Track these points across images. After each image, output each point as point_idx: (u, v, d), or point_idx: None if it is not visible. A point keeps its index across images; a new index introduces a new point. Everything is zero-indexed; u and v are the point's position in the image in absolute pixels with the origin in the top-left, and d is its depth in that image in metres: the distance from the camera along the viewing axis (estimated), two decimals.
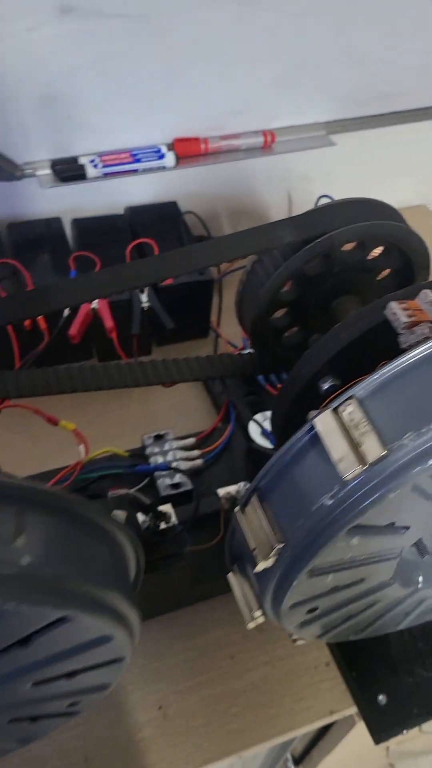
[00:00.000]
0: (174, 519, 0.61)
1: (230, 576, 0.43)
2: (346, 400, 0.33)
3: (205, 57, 0.82)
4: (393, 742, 0.65)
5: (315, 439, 0.34)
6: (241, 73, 0.86)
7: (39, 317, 0.75)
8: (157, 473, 0.65)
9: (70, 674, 0.34)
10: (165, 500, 0.63)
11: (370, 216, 0.52)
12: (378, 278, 0.56)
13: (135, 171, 0.84)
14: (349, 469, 0.31)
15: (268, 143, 0.91)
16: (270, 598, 0.39)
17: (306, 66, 0.88)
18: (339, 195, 1.01)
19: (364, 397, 0.33)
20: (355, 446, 0.32)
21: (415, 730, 0.59)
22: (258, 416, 0.72)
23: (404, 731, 0.58)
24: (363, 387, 0.33)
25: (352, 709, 0.60)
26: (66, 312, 0.76)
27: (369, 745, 0.59)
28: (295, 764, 0.90)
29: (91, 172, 0.81)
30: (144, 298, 0.77)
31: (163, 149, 0.85)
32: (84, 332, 0.75)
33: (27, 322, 0.74)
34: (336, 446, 0.32)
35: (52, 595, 0.29)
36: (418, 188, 1.14)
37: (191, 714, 0.59)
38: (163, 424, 0.75)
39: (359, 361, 0.45)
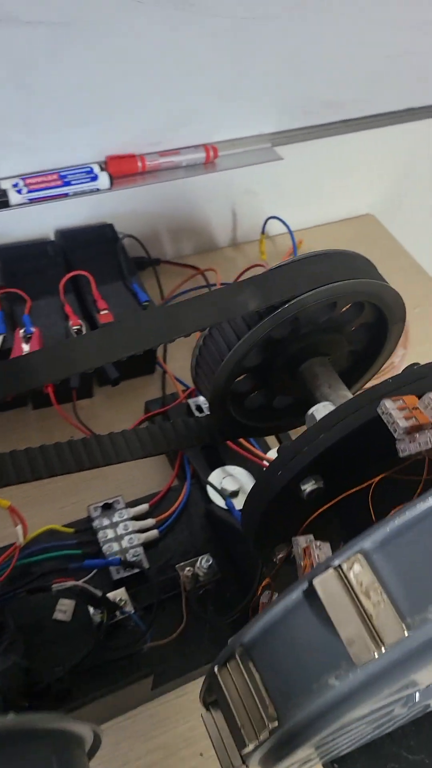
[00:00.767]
0: (129, 606, 0.55)
1: (204, 716, 0.37)
2: (352, 556, 0.27)
3: (138, 67, 0.73)
4: None
5: (315, 599, 0.28)
6: (179, 83, 0.78)
7: None
8: (107, 546, 0.58)
9: None
10: (118, 584, 0.57)
11: (339, 273, 0.46)
12: (349, 330, 0.51)
13: (65, 195, 0.75)
14: (362, 653, 0.25)
15: (210, 159, 0.83)
16: (259, 760, 0.33)
17: (249, 75, 0.81)
18: (285, 209, 0.96)
19: (372, 550, 0.27)
20: (366, 620, 0.26)
21: None
22: (216, 474, 0.66)
23: None
24: (371, 539, 0.27)
25: None
26: None
27: None
28: None
29: (14, 198, 0.72)
30: None
31: (96, 169, 0.76)
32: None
33: None
34: (344, 620, 0.26)
35: None
36: (365, 198, 1.09)
37: None
38: (109, 482, 0.68)
39: (346, 459, 0.39)
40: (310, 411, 0.45)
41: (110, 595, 0.54)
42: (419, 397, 0.35)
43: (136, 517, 0.61)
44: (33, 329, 0.69)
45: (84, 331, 0.70)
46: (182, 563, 0.58)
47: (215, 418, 0.52)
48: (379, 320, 0.52)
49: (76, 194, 0.75)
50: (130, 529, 0.60)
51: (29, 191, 0.72)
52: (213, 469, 0.66)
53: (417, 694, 0.40)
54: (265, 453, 0.67)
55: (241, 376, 0.50)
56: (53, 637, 0.53)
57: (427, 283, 1.02)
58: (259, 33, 0.77)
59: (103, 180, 0.75)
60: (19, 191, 0.72)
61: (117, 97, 0.75)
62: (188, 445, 0.52)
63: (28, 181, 0.72)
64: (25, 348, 0.67)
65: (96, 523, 0.60)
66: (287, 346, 0.49)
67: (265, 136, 0.89)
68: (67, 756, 0.30)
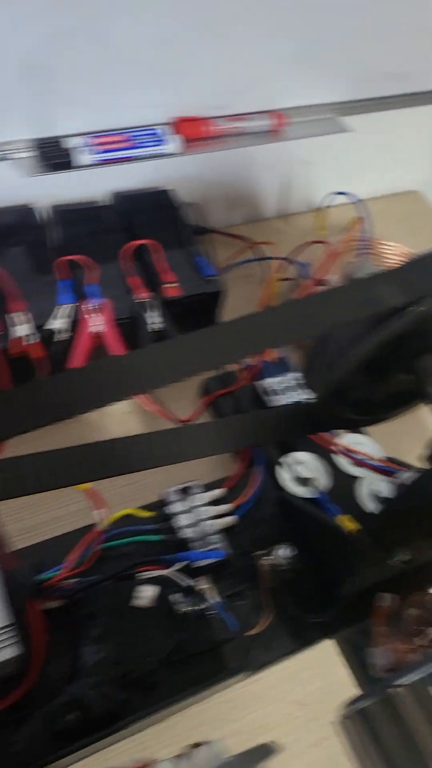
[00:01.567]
0: (214, 596, 0.53)
1: (344, 725, 0.36)
2: None
3: (213, 26, 0.69)
4: None
5: None
6: (251, 46, 0.73)
7: (31, 343, 0.62)
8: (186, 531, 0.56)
9: None
10: (196, 572, 0.55)
11: None
12: None
13: (130, 158, 0.71)
14: None
15: (278, 126, 0.79)
16: None
17: (320, 42, 0.77)
18: (336, 182, 0.93)
19: None
20: None
21: None
22: (287, 459, 0.64)
23: None
24: None
25: None
26: (63, 336, 0.64)
27: None
28: None
29: (80, 158, 0.67)
30: (153, 318, 0.66)
31: (164, 132, 0.72)
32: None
33: (16, 350, 0.62)
34: None
35: None
36: (413, 174, 1.06)
37: None
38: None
39: None
40: None
41: (193, 584, 0.53)
42: None
43: (212, 502, 0.60)
44: (101, 300, 0.65)
45: (152, 305, 0.67)
46: (259, 552, 0.57)
47: (324, 409, 0.50)
48: None
49: (142, 157, 0.71)
50: (207, 515, 0.58)
51: (97, 152, 0.68)
52: (283, 454, 0.65)
53: None
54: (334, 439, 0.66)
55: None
56: (135, 626, 0.52)
57: None
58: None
59: (173, 144, 0.71)
60: (86, 152, 0.67)
61: (188, 56, 0.70)
62: (294, 436, 0.50)
63: (96, 141, 0.68)
64: (98, 321, 0.64)
65: (172, 508, 0.58)
66: (410, 340, 0.47)
67: (331, 106, 0.85)
68: None
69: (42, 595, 0.48)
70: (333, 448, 0.65)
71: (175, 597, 0.52)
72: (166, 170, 0.80)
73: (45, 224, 0.72)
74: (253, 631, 0.53)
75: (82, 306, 0.65)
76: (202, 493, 0.59)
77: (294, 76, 0.79)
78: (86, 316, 0.64)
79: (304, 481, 0.64)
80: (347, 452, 0.64)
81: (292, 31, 0.74)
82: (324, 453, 0.65)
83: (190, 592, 0.52)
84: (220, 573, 0.56)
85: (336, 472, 0.63)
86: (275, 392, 0.69)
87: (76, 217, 0.74)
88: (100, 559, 0.54)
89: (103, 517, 0.55)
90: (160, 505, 0.59)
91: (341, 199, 0.91)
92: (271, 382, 0.69)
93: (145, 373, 0.37)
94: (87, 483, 0.54)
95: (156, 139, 0.71)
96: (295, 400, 0.68)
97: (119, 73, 0.67)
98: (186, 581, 0.52)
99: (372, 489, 0.62)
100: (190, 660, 0.51)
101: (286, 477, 0.63)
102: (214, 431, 0.46)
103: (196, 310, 0.71)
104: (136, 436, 0.44)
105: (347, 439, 0.66)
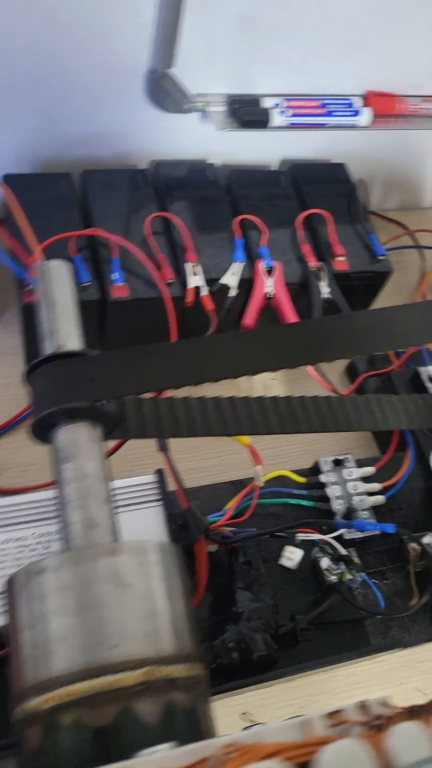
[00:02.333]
0: (359, 574, 0.53)
1: None
2: None
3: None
4: None
5: None
6: None
7: (204, 295, 0.63)
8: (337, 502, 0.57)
9: None
10: (348, 544, 0.55)
11: None
12: None
13: (322, 125, 0.70)
14: None
15: None
16: None
17: None
18: None
19: None
20: None
21: None
22: None
23: None
24: None
25: None
26: (233, 292, 0.64)
27: None
28: None
29: (276, 119, 0.67)
30: (324, 287, 0.66)
31: (356, 103, 0.71)
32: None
33: (190, 299, 0.63)
34: None
35: None
36: None
37: None
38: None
39: None
40: None
41: (347, 554, 0.53)
42: None
43: (364, 479, 0.59)
44: (273, 263, 0.66)
45: (321, 275, 0.67)
46: (407, 536, 0.57)
47: None
48: None
49: (333, 126, 0.70)
50: (359, 490, 0.58)
51: (292, 115, 0.67)
52: None
53: None
54: None
55: None
56: (284, 583, 0.53)
57: None
58: None
59: (365, 116, 0.70)
60: (282, 113, 0.67)
61: (395, 29, 0.69)
62: None
63: (291, 103, 0.68)
64: (269, 282, 0.64)
65: (324, 477, 0.58)
66: None
67: None
68: None
69: (207, 536, 0.49)
70: None
71: (327, 563, 0.52)
72: (338, 143, 0.79)
73: (219, 182, 0.72)
74: (405, 613, 0.52)
75: (258, 266, 0.65)
76: (354, 468, 0.59)
77: None
78: (260, 276, 0.65)
79: None
80: None
81: None
82: None
83: (340, 560, 0.52)
84: (367, 549, 0.56)
85: None
86: None
87: (251, 179, 0.74)
88: (253, 514, 0.55)
89: (260, 474, 0.55)
90: (311, 472, 0.60)
91: None
92: None
93: (392, 333, 0.37)
94: (261, 435, 0.54)
95: (350, 109, 0.71)
96: None
97: (329, 36, 0.66)
98: (341, 550, 0.52)
99: None
100: (334, 627, 0.52)
101: None
102: (413, 407, 0.46)
103: (359, 287, 0.71)
104: (336, 397, 0.45)
105: None
